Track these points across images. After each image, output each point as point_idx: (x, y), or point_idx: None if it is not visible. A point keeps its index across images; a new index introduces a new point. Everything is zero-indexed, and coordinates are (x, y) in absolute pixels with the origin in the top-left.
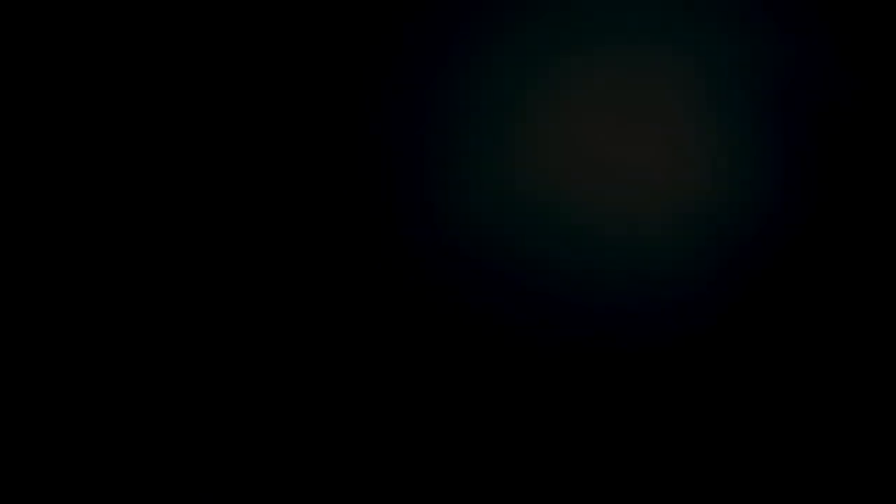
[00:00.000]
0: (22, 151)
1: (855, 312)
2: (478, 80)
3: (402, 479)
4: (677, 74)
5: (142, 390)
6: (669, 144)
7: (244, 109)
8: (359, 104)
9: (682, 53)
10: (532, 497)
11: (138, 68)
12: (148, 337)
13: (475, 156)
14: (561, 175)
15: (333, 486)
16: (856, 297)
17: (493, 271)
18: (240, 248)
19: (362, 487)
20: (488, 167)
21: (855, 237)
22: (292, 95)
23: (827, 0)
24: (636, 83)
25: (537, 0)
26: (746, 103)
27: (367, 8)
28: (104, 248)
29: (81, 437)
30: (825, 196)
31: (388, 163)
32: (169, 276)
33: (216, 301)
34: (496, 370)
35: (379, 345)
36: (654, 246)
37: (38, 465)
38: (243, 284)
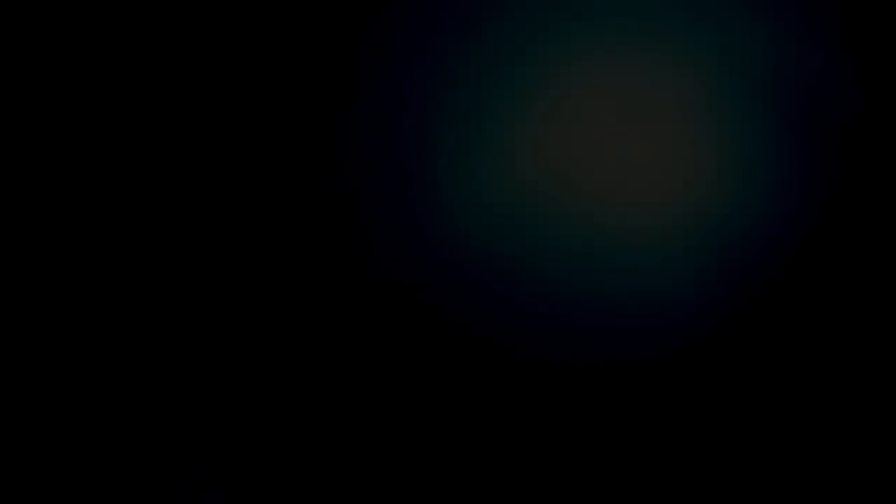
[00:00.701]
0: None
1: (864, 323)
2: (476, 80)
3: (387, 485)
4: (687, 78)
5: (112, 388)
6: (676, 150)
7: (228, 110)
8: (351, 106)
9: (691, 56)
10: None
11: (103, 76)
12: (130, 335)
13: (472, 157)
14: (566, 179)
15: (311, 487)
16: (866, 308)
17: (488, 276)
18: (223, 251)
19: (344, 489)
20: (486, 168)
21: (867, 247)
22: (284, 95)
23: (845, 7)
24: (643, 87)
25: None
26: (757, 109)
27: (363, 6)
28: (68, 251)
29: (64, 436)
30: (836, 204)
31: (378, 166)
32: (148, 276)
33: (205, 304)
34: (491, 376)
35: (367, 350)
36: (658, 253)
37: (37, 464)
38: (227, 286)
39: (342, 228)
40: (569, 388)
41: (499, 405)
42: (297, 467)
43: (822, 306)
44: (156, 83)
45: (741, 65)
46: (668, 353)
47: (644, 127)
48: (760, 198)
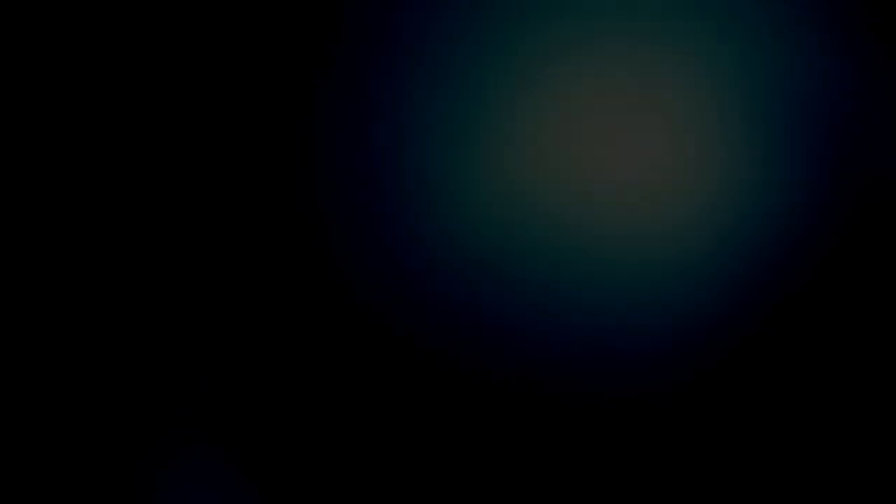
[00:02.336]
0: None
1: (872, 331)
2: (478, 78)
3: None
4: (690, 78)
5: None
6: (682, 151)
7: (253, 109)
8: (354, 103)
9: (695, 56)
10: None
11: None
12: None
13: (472, 157)
14: (567, 182)
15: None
16: (874, 314)
17: (482, 283)
18: (214, 251)
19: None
20: (486, 169)
21: (878, 253)
22: (288, 94)
23: (845, 10)
24: (647, 88)
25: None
26: (761, 109)
27: (368, 6)
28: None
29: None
30: (850, 209)
31: (378, 164)
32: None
33: (173, 313)
34: (482, 391)
35: (350, 365)
36: (662, 260)
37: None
38: (233, 284)
39: (328, 231)
40: (567, 405)
41: (491, 420)
42: (267, 483)
43: (836, 318)
44: (121, 85)
45: (751, 66)
46: (671, 360)
47: (648, 129)
48: (771, 202)
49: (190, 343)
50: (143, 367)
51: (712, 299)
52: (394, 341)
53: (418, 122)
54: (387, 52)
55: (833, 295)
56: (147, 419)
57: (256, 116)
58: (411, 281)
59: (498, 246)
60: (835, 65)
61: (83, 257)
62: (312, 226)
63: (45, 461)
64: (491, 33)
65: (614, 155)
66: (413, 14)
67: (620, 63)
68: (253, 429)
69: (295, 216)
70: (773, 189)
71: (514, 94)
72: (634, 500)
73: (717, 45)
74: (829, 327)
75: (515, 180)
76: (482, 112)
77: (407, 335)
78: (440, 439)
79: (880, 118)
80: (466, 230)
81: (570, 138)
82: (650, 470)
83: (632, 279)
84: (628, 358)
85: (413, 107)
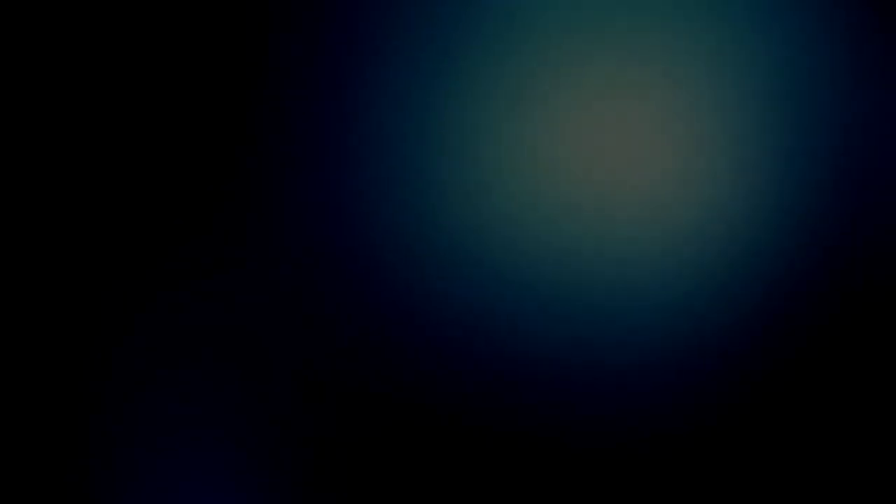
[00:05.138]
0: None
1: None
2: (479, 81)
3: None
4: (691, 79)
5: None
6: (682, 153)
7: (253, 110)
8: (355, 104)
9: (696, 57)
10: None
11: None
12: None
13: (473, 160)
14: (563, 184)
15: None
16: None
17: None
18: (223, 238)
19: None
20: (487, 176)
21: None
22: (292, 94)
23: (849, 7)
24: (647, 88)
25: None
26: (763, 111)
27: (371, 6)
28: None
29: None
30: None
31: (379, 168)
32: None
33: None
34: (487, 386)
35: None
36: (664, 258)
37: None
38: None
39: (319, 233)
40: (565, 409)
41: (490, 421)
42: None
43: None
44: (118, 84)
45: (753, 67)
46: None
47: (649, 131)
48: (774, 204)
49: (181, 342)
50: (133, 365)
51: (714, 301)
52: (390, 345)
53: (416, 123)
54: (383, 51)
55: (835, 297)
56: (140, 417)
57: (251, 116)
58: (409, 282)
59: (498, 248)
60: (837, 65)
61: (67, 255)
62: (305, 227)
63: (36, 456)
64: (491, 33)
65: (614, 157)
66: (411, 13)
67: (620, 64)
68: (248, 429)
69: (289, 216)
70: (776, 191)
71: (517, 96)
72: None
73: (718, 47)
74: (829, 329)
75: (517, 183)
76: (483, 113)
77: (403, 338)
78: (439, 441)
79: (882, 119)
80: (464, 232)
81: (569, 141)
82: (650, 472)
83: (633, 282)
84: (629, 361)
85: (411, 108)
